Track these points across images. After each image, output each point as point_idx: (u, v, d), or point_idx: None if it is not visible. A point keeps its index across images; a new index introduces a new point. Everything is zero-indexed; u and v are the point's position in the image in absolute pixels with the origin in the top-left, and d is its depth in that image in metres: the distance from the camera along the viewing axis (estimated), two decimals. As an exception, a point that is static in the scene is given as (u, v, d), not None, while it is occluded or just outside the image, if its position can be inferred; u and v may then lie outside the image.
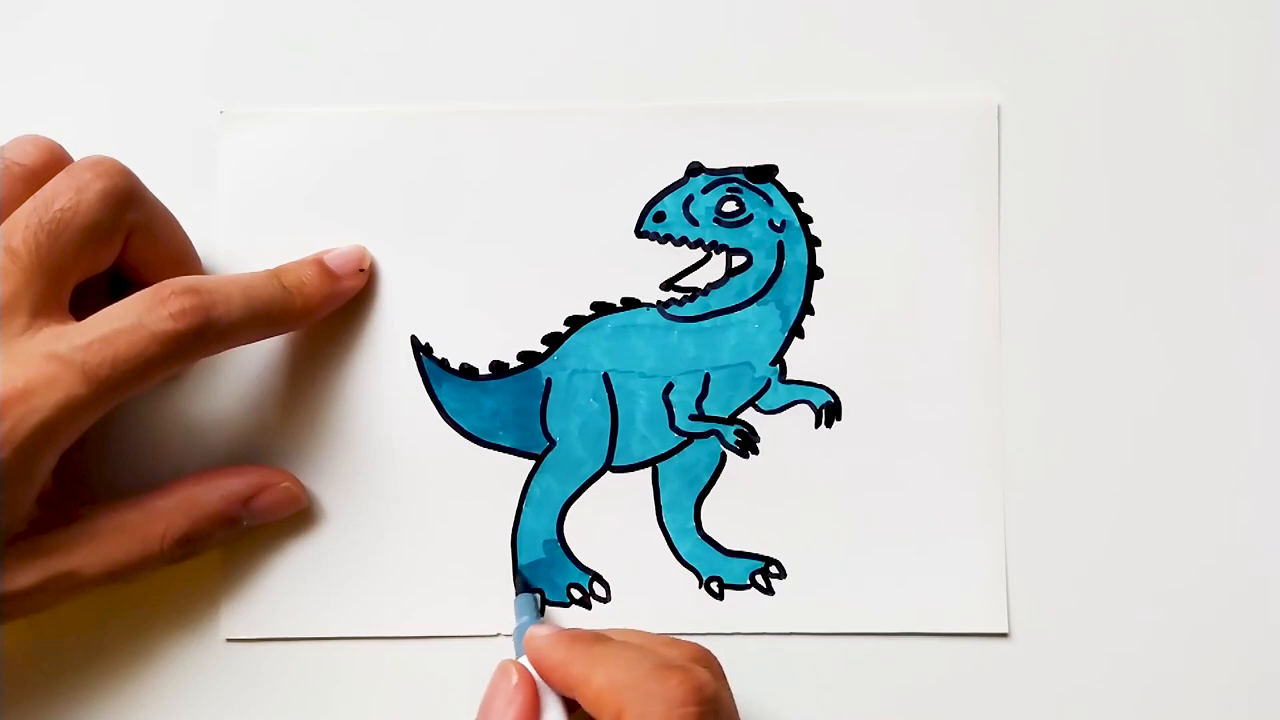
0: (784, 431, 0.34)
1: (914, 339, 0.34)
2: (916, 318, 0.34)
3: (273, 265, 0.33)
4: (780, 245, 0.34)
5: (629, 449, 0.34)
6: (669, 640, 0.30)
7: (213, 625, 0.34)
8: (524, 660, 0.30)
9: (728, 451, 0.34)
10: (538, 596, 0.34)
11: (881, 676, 0.33)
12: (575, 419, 0.34)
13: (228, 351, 0.32)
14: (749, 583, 0.34)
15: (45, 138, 0.31)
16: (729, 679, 0.33)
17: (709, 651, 0.30)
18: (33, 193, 0.30)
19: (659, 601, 0.34)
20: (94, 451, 0.34)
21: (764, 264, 0.34)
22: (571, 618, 0.34)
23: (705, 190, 0.34)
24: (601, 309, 0.34)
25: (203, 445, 0.34)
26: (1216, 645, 0.33)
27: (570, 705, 0.29)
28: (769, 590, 0.34)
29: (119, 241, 0.31)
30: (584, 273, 0.34)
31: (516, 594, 0.33)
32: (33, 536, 0.30)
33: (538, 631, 0.30)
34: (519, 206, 0.35)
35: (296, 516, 0.34)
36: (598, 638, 0.29)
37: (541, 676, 0.29)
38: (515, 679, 0.29)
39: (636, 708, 0.27)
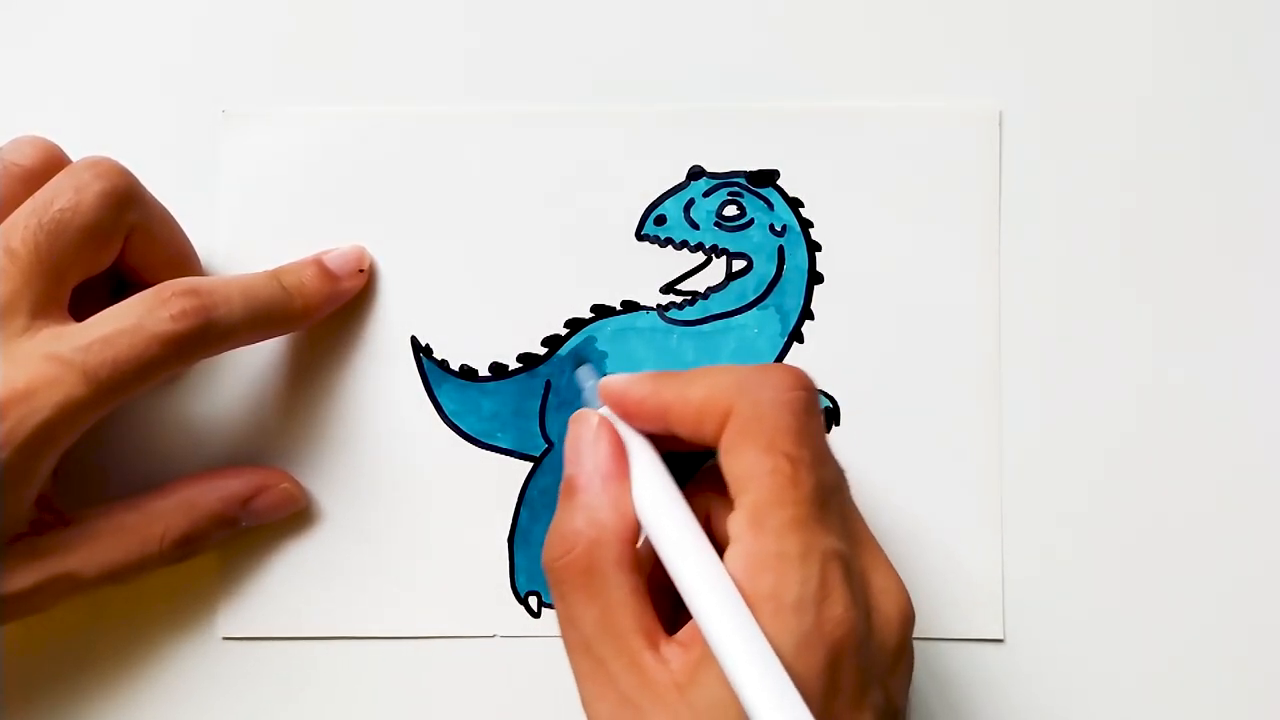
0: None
1: (913, 345, 0.34)
2: (916, 324, 0.34)
3: (273, 265, 0.33)
4: (781, 250, 0.34)
5: (627, 452, 0.34)
6: None
7: (210, 624, 0.34)
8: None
9: (726, 455, 0.34)
10: (595, 370, 0.33)
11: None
12: (574, 421, 0.34)
13: (228, 352, 0.32)
14: (746, 587, 0.34)
15: (43, 138, 0.31)
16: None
17: None
18: (31, 193, 0.30)
19: (656, 605, 0.34)
20: (93, 452, 0.34)
21: (764, 268, 0.34)
22: (569, 621, 0.34)
23: (706, 194, 0.34)
24: (601, 312, 0.34)
25: (202, 446, 0.34)
26: (1212, 652, 0.34)
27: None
28: (766, 595, 0.34)
29: (118, 242, 0.31)
30: (584, 275, 0.34)
31: (575, 369, 0.33)
32: (32, 537, 0.30)
33: (611, 377, 0.29)
34: (520, 208, 0.35)
35: (295, 516, 0.34)
36: (680, 371, 0.29)
37: (626, 417, 0.28)
38: (594, 420, 0.28)
39: (746, 399, 0.26)
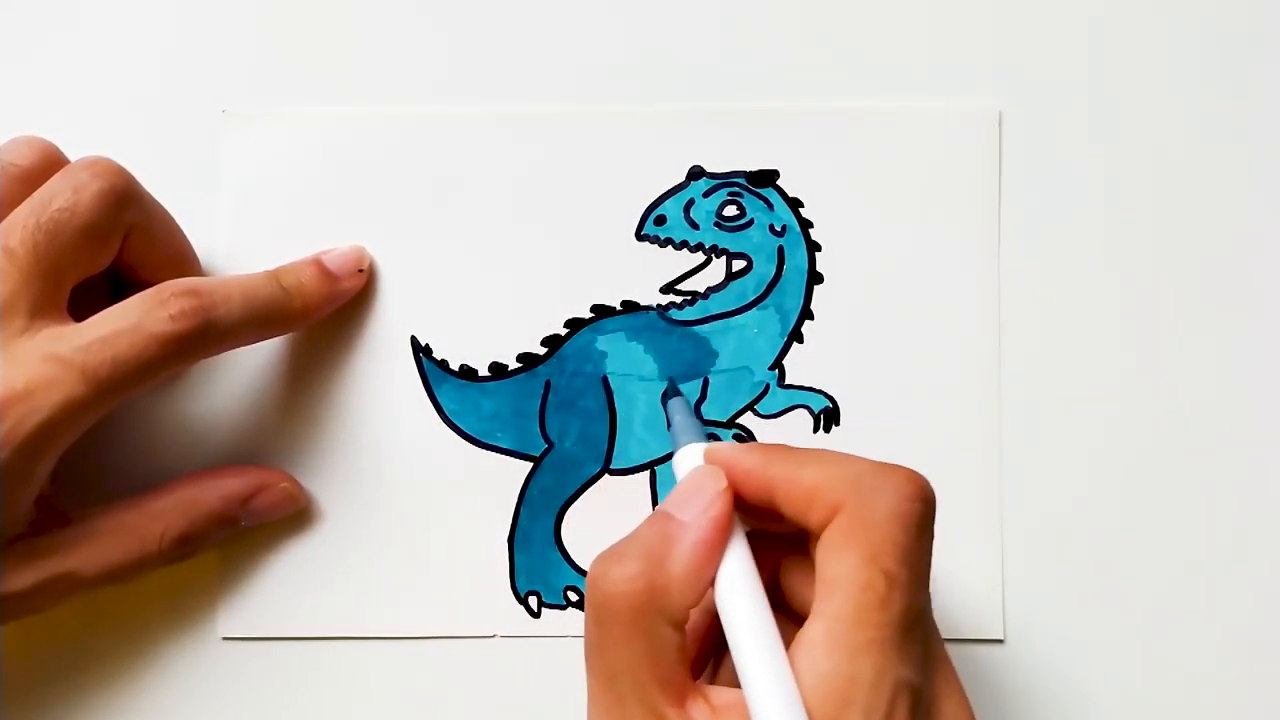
0: (782, 436, 0.34)
1: (913, 345, 0.34)
2: (916, 324, 0.34)
3: (272, 265, 0.33)
4: (780, 250, 0.34)
5: (627, 452, 0.34)
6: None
7: (209, 624, 0.34)
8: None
9: (726, 455, 0.34)
10: (688, 403, 0.32)
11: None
12: (574, 421, 0.34)
13: (227, 352, 0.32)
14: (746, 587, 0.34)
15: (41, 139, 0.31)
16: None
17: None
18: (30, 194, 0.30)
19: (656, 605, 0.34)
20: (93, 452, 0.33)
21: (764, 268, 0.34)
22: (568, 621, 0.34)
23: (706, 194, 0.34)
24: (601, 312, 0.34)
25: (201, 445, 0.34)
26: (1212, 652, 0.34)
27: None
28: (766, 595, 0.34)
29: (117, 242, 0.31)
30: (584, 275, 0.34)
31: (667, 398, 0.32)
32: (31, 538, 0.30)
33: (719, 445, 0.28)
34: (519, 208, 0.35)
35: (294, 516, 0.34)
36: (791, 446, 0.27)
37: (733, 483, 0.27)
38: (724, 483, 0.27)
39: (860, 499, 0.25)
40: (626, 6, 0.35)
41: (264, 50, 0.35)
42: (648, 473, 0.34)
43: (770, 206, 0.34)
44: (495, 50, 0.35)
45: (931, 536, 0.26)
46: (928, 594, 0.26)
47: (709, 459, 0.28)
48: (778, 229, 0.34)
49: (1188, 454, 0.34)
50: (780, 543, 0.28)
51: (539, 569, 0.34)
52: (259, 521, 0.33)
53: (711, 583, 0.26)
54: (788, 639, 0.25)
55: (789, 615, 0.27)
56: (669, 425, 0.31)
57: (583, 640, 0.26)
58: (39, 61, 0.35)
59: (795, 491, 0.26)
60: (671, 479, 0.33)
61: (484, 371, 0.34)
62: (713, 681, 0.26)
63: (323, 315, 0.33)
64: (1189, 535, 0.34)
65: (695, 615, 0.26)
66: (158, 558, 0.31)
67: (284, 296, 0.32)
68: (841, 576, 0.25)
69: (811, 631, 0.24)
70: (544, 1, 0.35)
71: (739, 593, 0.26)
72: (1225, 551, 0.34)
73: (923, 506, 0.25)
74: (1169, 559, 0.34)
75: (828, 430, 0.34)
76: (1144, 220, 0.34)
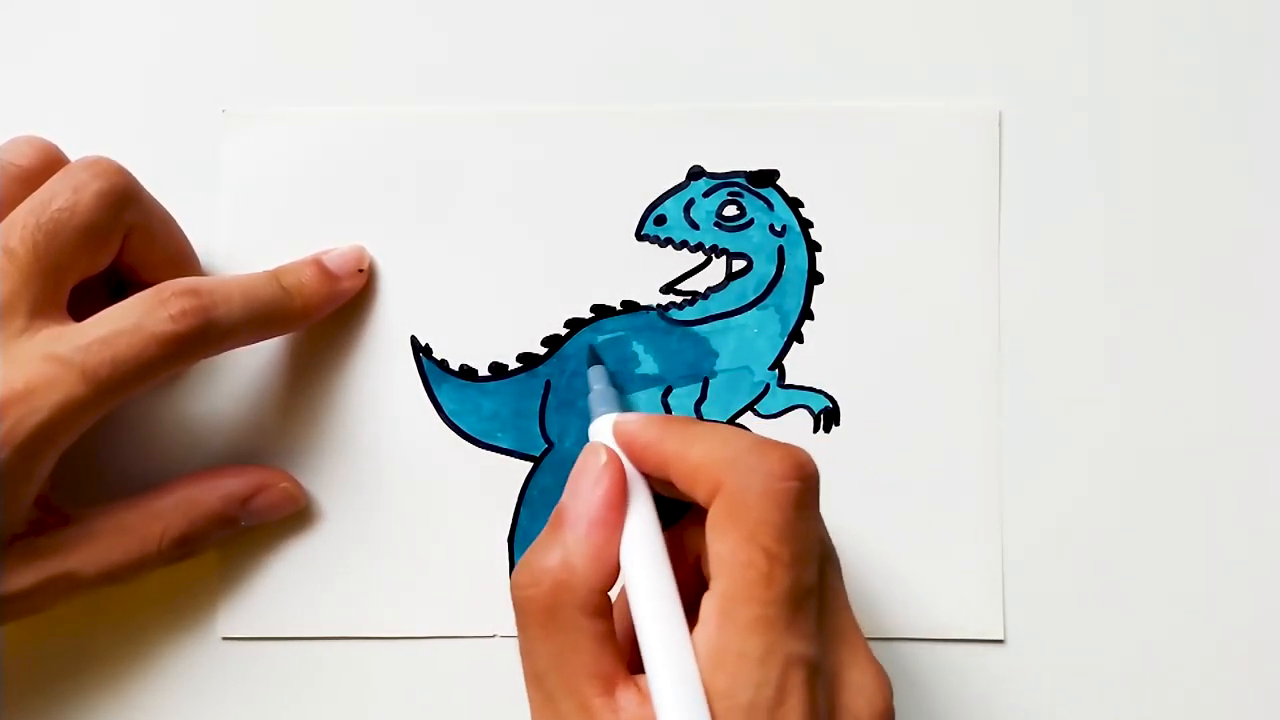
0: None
1: (913, 345, 0.34)
2: (916, 324, 0.34)
3: (272, 265, 0.33)
4: (781, 250, 0.34)
5: (627, 452, 0.34)
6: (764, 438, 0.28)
7: (209, 623, 0.34)
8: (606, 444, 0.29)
9: (726, 456, 0.34)
10: (607, 371, 0.33)
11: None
12: (574, 421, 0.34)
13: (227, 352, 0.32)
14: (746, 587, 0.34)
15: (41, 138, 0.31)
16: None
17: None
18: (30, 193, 0.30)
19: (656, 605, 0.34)
20: (93, 452, 0.33)
21: (764, 268, 0.34)
22: (569, 621, 0.34)
23: (706, 194, 0.34)
24: (601, 311, 0.34)
25: (201, 445, 0.34)
26: (1213, 652, 0.34)
27: (657, 497, 0.28)
28: (766, 595, 0.34)
29: (116, 241, 0.31)
30: (584, 275, 0.34)
31: (589, 365, 0.33)
32: (31, 537, 0.30)
33: (626, 416, 0.29)
34: (519, 208, 0.35)
35: (294, 516, 0.34)
36: (691, 420, 0.28)
37: (630, 458, 0.28)
38: (604, 458, 0.28)
39: (736, 479, 0.25)
40: (626, 6, 0.35)
41: (264, 50, 0.35)
42: (648, 473, 0.34)
43: (770, 206, 0.34)
44: (495, 50, 0.35)
45: (813, 513, 0.26)
46: (816, 569, 0.26)
47: (615, 432, 0.28)
48: (778, 229, 0.34)
49: (1188, 454, 0.34)
50: (697, 530, 0.28)
51: (539, 569, 0.34)
52: (259, 521, 0.33)
53: (616, 560, 0.26)
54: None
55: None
56: (588, 393, 0.32)
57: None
58: (39, 61, 0.35)
59: (683, 468, 0.27)
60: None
61: (484, 371, 0.34)
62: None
63: (323, 315, 0.33)
64: (1189, 535, 0.34)
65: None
66: (158, 558, 0.31)
67: (284, 296, 0.32)
68: (725, 555, 0.25)
69: (706, 607, 0.25)
70: (544, 1, 0.35)
71: (638, 567, 0.26)
72: (1225, 551, 0.34)
73: (798, 484, 0.26)
74: (1169, 559, 0.34)
75: (828, 430, 0.34)
76: (1144, 220, 0.34)
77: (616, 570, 0.26)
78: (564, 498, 0.28)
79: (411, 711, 0.34)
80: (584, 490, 0.27)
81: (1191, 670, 0.34)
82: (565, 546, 0.26)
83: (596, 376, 0.32)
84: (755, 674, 0.24)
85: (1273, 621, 0.34)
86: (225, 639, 0.34)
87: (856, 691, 0.26)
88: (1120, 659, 0.34)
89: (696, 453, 0.26)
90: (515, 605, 0.27)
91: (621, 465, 0.28)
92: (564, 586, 0.26)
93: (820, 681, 0.25)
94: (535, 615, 0.26)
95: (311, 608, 0.34)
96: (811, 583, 0.26)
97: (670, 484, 0.27)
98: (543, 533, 0.27)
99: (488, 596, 0.34)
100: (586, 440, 0.34)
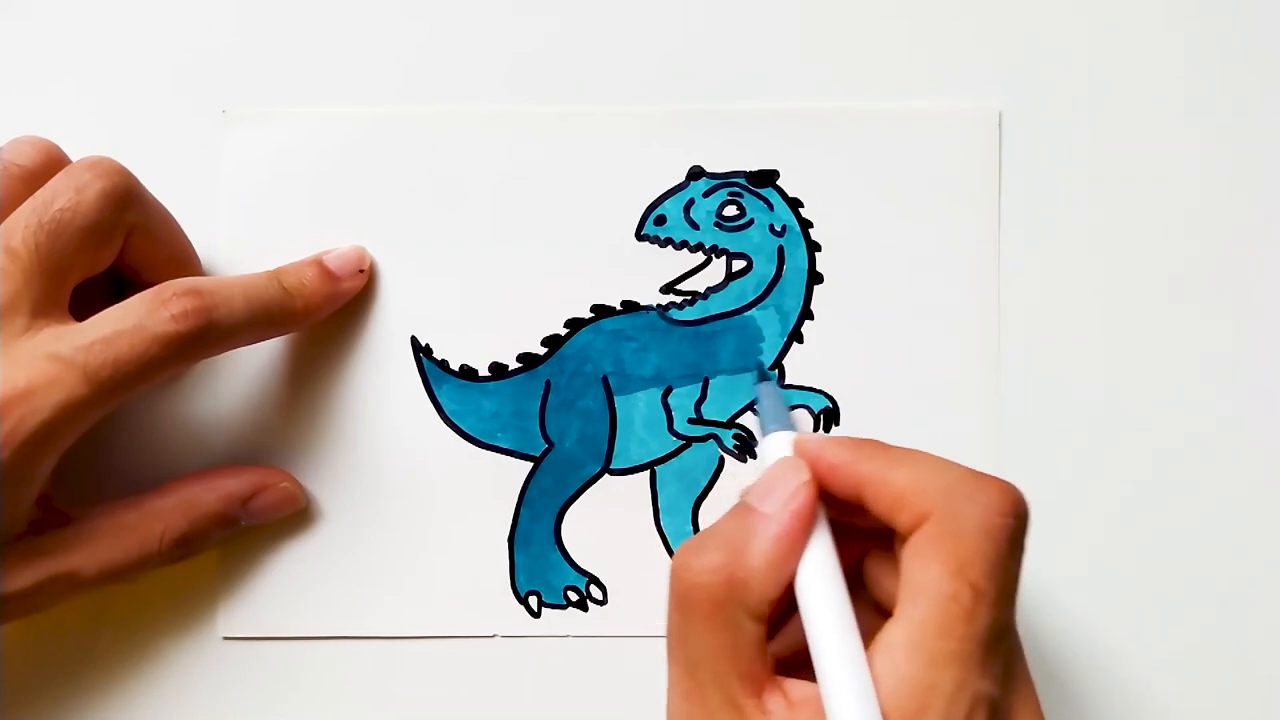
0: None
1: (913, 345, 0.34)
2: (916, 324, 0.34)
3: (274, 265, 0.33)
4: (780, 250, 0.34)
5: (627, 452, 0.34)
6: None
7: (210, 623, 0.34)
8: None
9: (726, 455, 0.34)
10: (776, 388, 0.32)
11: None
12: (574, 421, 0.34)
13: (228, 352, 0.32)
14: (746, 587, 0.34)
15: (43, 139, 0.31)
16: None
17: None
18: (32, 193, 0.30)
19: (656, 605, 0.33)
20: (93, 452, 0.34)
21: (764, 268, 0.34)
22: (568, 621, 0.34)
23: (706, 194, 0.34)
24: (601, 312, 0.34)
25: (202, 445, 0.34)
26: (1213, 651, 0.34)
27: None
28: (766, 595, 0.34)
29: (118, 242, 0.31)
30: (584, 275, 0.34)
31: (757, 381, 0.32)
32: (32, 537, 0.30)
33: (808, 435, 0.28)
34: (520, 208, 0.35)
35: (295, 516, 0.34)
36: (884, 444, 0.27)
37: (816, 476, 0.27)
38: (806, 475, 0.26)
39: (950, 509, 0.25)
40: (627, 7, 0.35)
41: (265, 50, 0.35)
42: (648, 473, 0.34)
43: (770, 206, 0.34)
44: (497, 51, 0.35)
45: (1022, 552, 0.26)
46: (1014, 610, 0.25)
47: (797, 450, 0.28)
48: (778, 229, 0.34)
49: (1187, 453, 0.34)
50: (866, 534, 0.27)
51: (539, 569, 0.34)
52: (259, 521, 0.33)
53: (793, 576, 0.26)
54: (867, 628, 0.25)
55: (869, 604, 0.27)
56: (755, 409, 0.31)
57: (665, 628, 0.26)
58: (41, 62, 0.35)
59: (884, 493, 0.26)
60: (671, 480, 0.34)
61: (484, 371, 0.34)
62: (789, 674, 0.26)
63: (324, 315, 0.33)
64: (1189, 534, 0.34)
65: (775, 608, 0.26)
66: (158, 558, 0.31)
67: (285, 297, 0.32)
68: (927, 584, 0.24)
69: (893, 634, 0.24)
70: (544, 2, 0.35)
71: (820, 588, 0.26)
72: (1226, 549, 0.34)
73: (1015, 522, 0.25)
74: (1169, 558, 0.34)
75: (827, 430, 0.34)
76: (1143, 220, 0.34)
77: (789, 584, 0.26)
78: (752, 500, 0.27)
79: (411, 711, 0.34)
80: (778, 500, 0.26)
81: (1192, 667, 0.34)
82: (748, 548, 0.26)
83: (766, 392, 0.31)
84: (943, 709, 0.24)
85: (1274, 618, 0.34)
86: (225, 639, 0.34)
87: None
88: (1119, 658, 0.34)
89: (901, 477, 0.26)
90: (680, 588, 0.26)
91: (817, 486, 0.27)
92: (739, 585, 0.25)
93: None
94: (701, 605, 0.25)
95: (311, 608, 0.34)
96: (1009, 623, 0.25)
97: (855, 507, 0.27)
98: (721, 523, 0.27)
99: (488, 596, 0.34)
100: (586, 440, 0.34)
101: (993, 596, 0.24)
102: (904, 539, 0.25)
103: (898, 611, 0.25)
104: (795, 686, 0.25)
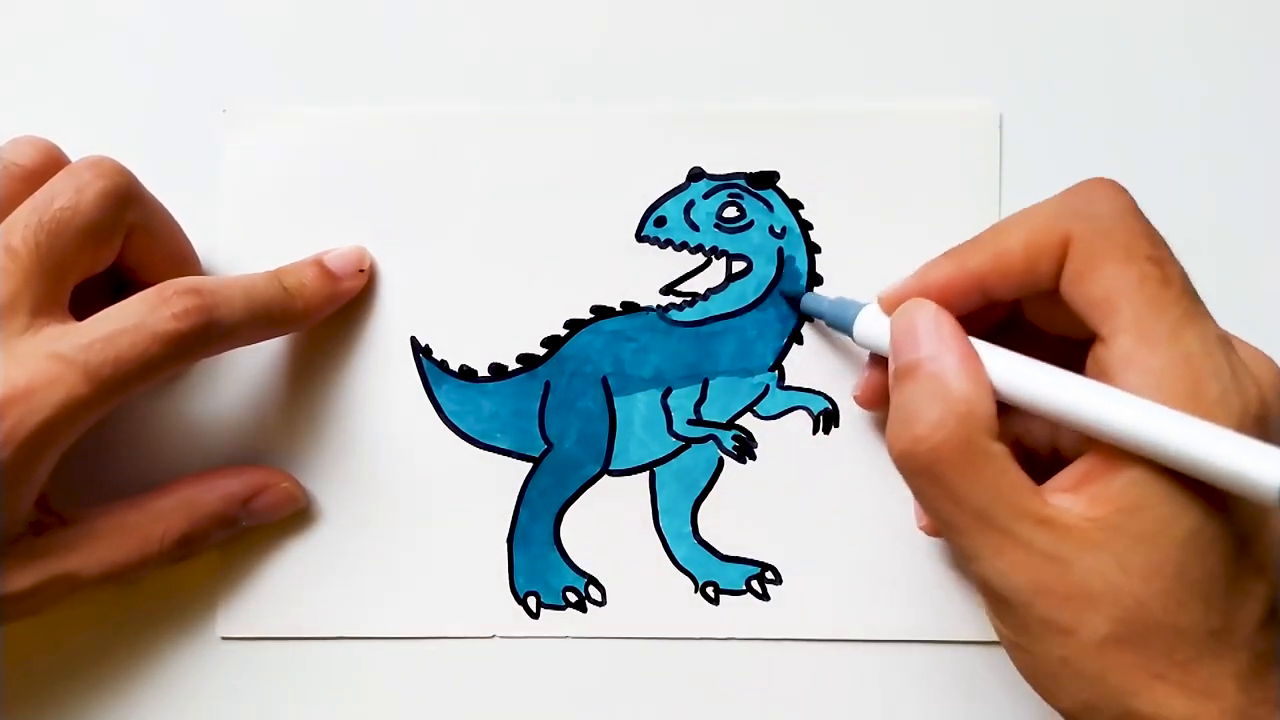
0: (781, 437, 0.34)
1: (913, 347, 0.34)
2: (915, 326, 0.34)
3: (274, 265, 0.33)
4: (780, 251, 0.34)
5: (627, 453, 0.34)
6: None
7: (209, 624, 0.34)
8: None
9: (725, 457, 0.34)
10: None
11: (875, 684, 0.33)
12: (573, 422, 0.34)
13: (228, 352, 0.32)
14: (745, 588, 0.34)
15: (43, 139, 0.31)
16: (720, 685, 0.34)
17: None
18: (32, 193, 0.30)
19: (654, 606, 0.34)
20: (93, 452, 0.34)
21: (764, 270, 0.34)
22: (567, 621, 0.34)
23: (706, 195, 0.34)
24: (601, 312, 0.34)
25: (202, 445, 0.34)
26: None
27: None
28: (764, 596, 0.34)
29: (118, 241, 0.31)
30: (584, 276, 0.34)
31: (797, 302, 0.34)
32: (32, 538, 0.30)
33: (885, 291, 0.29)
34: (520, 209, 0.35)
35: (294, 516, 0.34)
36: (956, 246, 0.28)
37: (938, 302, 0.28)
38: (929, 305, 0.28)
39: (1082, 220, 0.26)
40: (627, 7, 0.35)
41: (265, 50, 0.35)
42: (647, 474, 0.34)
43: (770, 208, 0.34)
44: (495, 51, 0.35)
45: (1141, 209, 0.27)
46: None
47: (890, 303, 0.29)
48: (778, 230, 0.34)
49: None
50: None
51: (538, 569, 0.34)
52: (260, 522, 0.33)
53: (992, 385, 0.26)
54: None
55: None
56: (821, 317, 0.33)
57: (938, 518, 0.26)
58: (41, 62, 0.35)
59: (1012, 262, 0.27)
60: (671, 481, 0.34)
61: (484, 372, 0.34)
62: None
63: (324, 315, 0.33)
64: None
65: None
66: (158, 558, 0.31)
67: (285, 297, 0.32)
68: (1113, 289, 0.25)
69: (1119, 349, 0.25)
70: (545, 2, 0.35)
71: (1022, 370, 0.26)
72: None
73: (1127, 194, 0.26)
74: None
75: (827, 431, 0.34)
76: (1144, 222, 0.34)
77: (993, 399, 0.26)
78: (902, 356, 0.27)
79: (411, 711, 0.34)
80: (927, 335, 0.27)
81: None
82: (944, 385, 0.26)
83: (814, 301, 0.33)
84: (1209, 365, 0.24)
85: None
86: (225, 639, 0.34)
87: (1252, 363, 0.26)
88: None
89: (1015, 238, 0.27)
90: (919, 461, 0.26)
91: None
92: (969, 417, 0.25)
93: (1232, 350, 0.25)
94: (951, 457, 0.25)
95: (311, 608, 0.34)
96: (1183, 269, 0.26)
97: (984, 297, 0.28)
98: (900, 393, 0.27)
99: (487, 597, 0.34)
100: (586, 441, 0.34)
101: (1167, 254, 0.26)
102: (1054, 281, 0.26)
103: (1103, 331, 0.25)
104: (1059, 480, 0.26)
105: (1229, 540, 0.24)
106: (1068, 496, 0.25)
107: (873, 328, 0.30)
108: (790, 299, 0.34)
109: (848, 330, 0.31)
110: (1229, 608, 0.24)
